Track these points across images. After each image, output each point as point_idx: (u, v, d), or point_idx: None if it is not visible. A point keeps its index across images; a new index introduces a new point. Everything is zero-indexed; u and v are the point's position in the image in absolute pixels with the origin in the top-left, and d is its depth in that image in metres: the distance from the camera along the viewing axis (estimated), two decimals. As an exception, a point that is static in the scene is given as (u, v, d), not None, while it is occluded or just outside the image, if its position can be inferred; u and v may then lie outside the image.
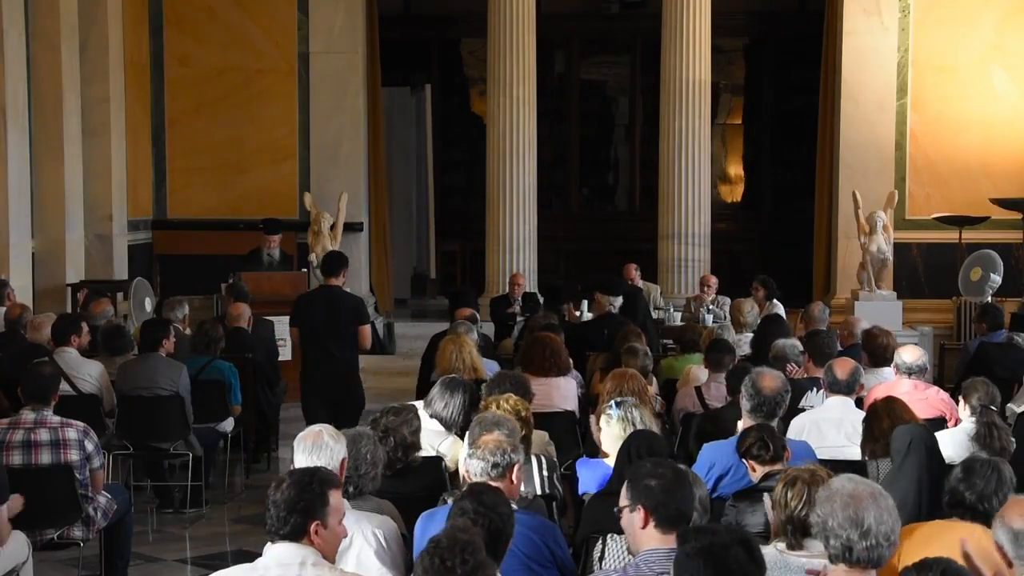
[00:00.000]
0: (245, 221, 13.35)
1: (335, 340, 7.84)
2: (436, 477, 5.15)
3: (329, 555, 3.50)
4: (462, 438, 5.18)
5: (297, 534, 3.45)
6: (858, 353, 7.30)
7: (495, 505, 3.72)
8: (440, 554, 3.04)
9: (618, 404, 5.28)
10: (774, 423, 5.28)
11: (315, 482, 3.50)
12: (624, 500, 3.73)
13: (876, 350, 7.27)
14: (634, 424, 5.10)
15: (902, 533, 3.41)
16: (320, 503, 3.47)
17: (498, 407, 5.22)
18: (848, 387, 6.05)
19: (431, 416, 5.57)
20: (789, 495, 3.98)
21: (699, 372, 7.44)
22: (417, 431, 5.05)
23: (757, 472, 4.75)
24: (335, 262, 8.12)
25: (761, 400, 5.34)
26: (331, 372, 7.85)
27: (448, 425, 5.58)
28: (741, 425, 5.35)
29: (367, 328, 8.00)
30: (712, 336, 8.03)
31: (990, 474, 4.04)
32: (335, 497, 3.53)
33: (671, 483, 3.67)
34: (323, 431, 4.25)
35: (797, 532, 3.95)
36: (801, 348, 7.19)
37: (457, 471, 5.24)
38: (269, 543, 3.49)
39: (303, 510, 3.44)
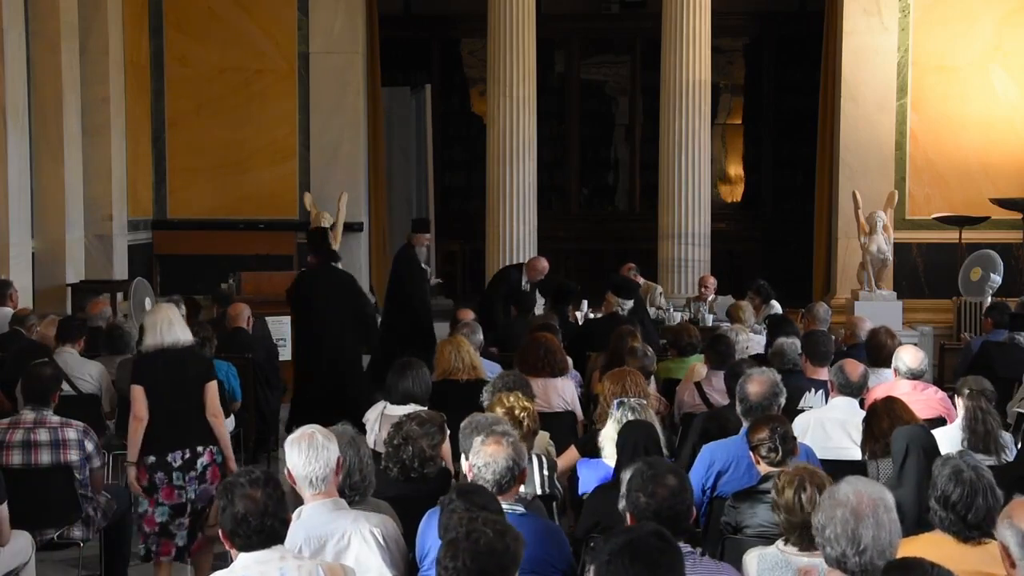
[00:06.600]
0: (245, 221, 13.39)
1: None
2: (444, 485, 5.12)
3: None
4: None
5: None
6: (862, 353, 7.29)
7: (484, 505, 3.72)
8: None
9: (620, 405, 5.27)
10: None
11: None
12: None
13: (875, 350, 7.27)
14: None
15: (903, 543, 3.41)
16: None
17: (503, 404, 5.23)
18: (859, 389, 6.06)
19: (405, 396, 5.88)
20: (789, 495, 3.98)
21: (702, 369, 7.38)
22: (438, 446, 4.89)
23: (762, 466, 4.76)
24: None
25: (749, 406, 5.35)
26: None
27: (420, 401, 5.86)
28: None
29: None
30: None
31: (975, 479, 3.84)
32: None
33: (677, 489, 3.67)
34: (316, 432, 4.15)
35: (794, 532, 3.95)
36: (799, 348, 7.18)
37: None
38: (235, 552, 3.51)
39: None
